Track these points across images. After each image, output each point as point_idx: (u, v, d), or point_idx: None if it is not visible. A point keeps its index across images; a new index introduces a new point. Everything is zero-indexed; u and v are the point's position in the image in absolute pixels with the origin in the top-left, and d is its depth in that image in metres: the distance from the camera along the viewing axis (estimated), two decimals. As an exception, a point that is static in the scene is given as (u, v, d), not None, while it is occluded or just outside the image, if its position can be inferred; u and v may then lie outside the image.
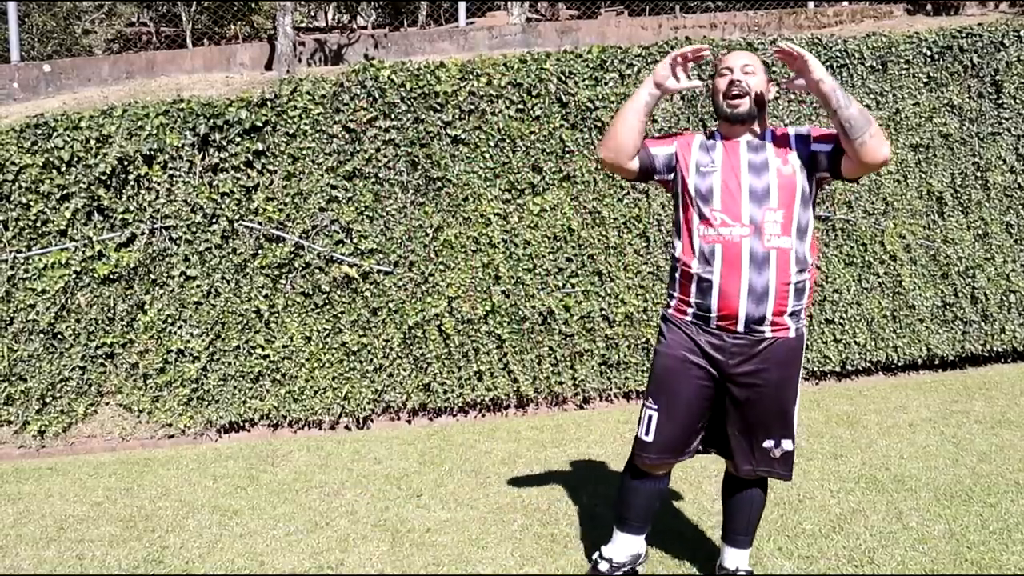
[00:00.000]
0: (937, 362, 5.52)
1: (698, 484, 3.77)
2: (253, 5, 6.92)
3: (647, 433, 2.64)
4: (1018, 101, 5.42)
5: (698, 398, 2.60)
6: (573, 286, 4.98)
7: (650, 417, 2.63)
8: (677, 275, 2.61)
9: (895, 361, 5.40)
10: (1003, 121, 5.43)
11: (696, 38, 5.09)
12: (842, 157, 2.48)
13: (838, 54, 5.21)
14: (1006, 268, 5.47)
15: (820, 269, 5.24)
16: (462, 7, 6.13)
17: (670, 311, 2.66)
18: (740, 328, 2.50)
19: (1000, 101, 5.41)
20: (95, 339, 4.66)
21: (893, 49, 5.27)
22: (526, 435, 4.60)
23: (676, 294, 2.62)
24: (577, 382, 5.04)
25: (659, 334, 2.69)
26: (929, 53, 5.31)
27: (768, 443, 2.61)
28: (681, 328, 2.60)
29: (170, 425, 4.75)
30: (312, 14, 8.56)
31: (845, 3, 7.08)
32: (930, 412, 4.70)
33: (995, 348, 5.51)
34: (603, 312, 5.01)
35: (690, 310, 2.57)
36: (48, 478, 4.23)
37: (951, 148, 5.39)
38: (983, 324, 5.48)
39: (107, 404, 4.76)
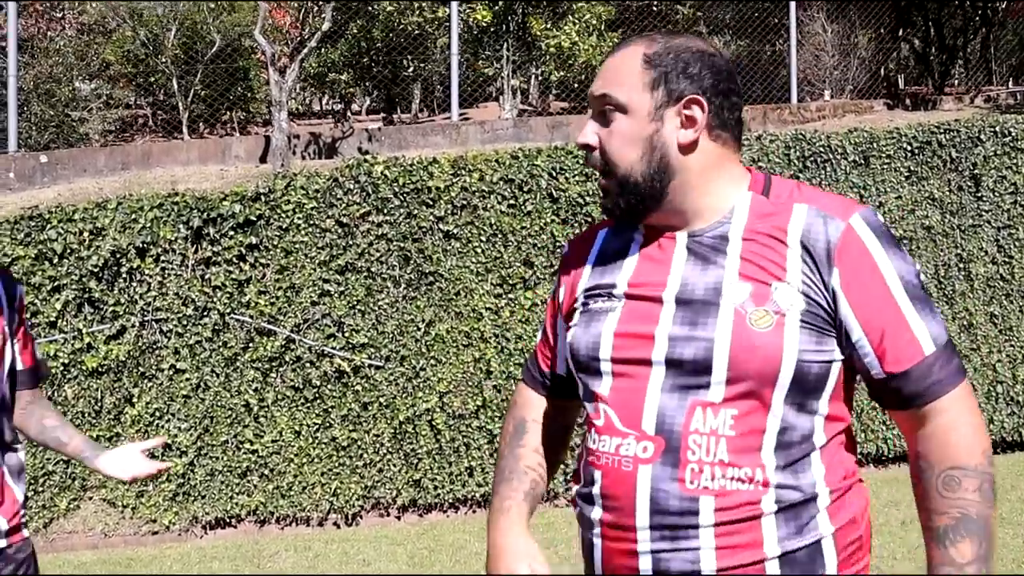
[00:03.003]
0: (927, 453, 5.51)
1: None
2: (248, 94, 7.08)
3: None
4: (996, 194, 5.55)
5: None
6: (564, 378, 4.97)
7: None
8: None
9: (885, 453, 5.39)
10: (983, 213, 5.55)
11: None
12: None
13: (821, 149, 5.34)
14: (992, 359, 5.52)
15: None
16: (455, 101, 6.28)
17: None
18: None
19: (979, 194, 5.54)
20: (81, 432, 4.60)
21: (875, 144, 5.41)
22: (517, 533, 4.53)
23: None
24: (568, 477, 5.00)
25: None
26: (909, 148, 5.45)
27: None
28: None
29: (155, 521, 4.66)
30: (308, 101, 8.74)
31: (827, 98, 7.30)
32: (922, 508, 4.67)
33: (984, 438, 5.52)
34: (594, 404, 4.99)
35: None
36: (27, 580, 4.13)
37: (934, 240, 5.49)
38: (972, 414, 5.50)
39: (90, 499, 4.68)
